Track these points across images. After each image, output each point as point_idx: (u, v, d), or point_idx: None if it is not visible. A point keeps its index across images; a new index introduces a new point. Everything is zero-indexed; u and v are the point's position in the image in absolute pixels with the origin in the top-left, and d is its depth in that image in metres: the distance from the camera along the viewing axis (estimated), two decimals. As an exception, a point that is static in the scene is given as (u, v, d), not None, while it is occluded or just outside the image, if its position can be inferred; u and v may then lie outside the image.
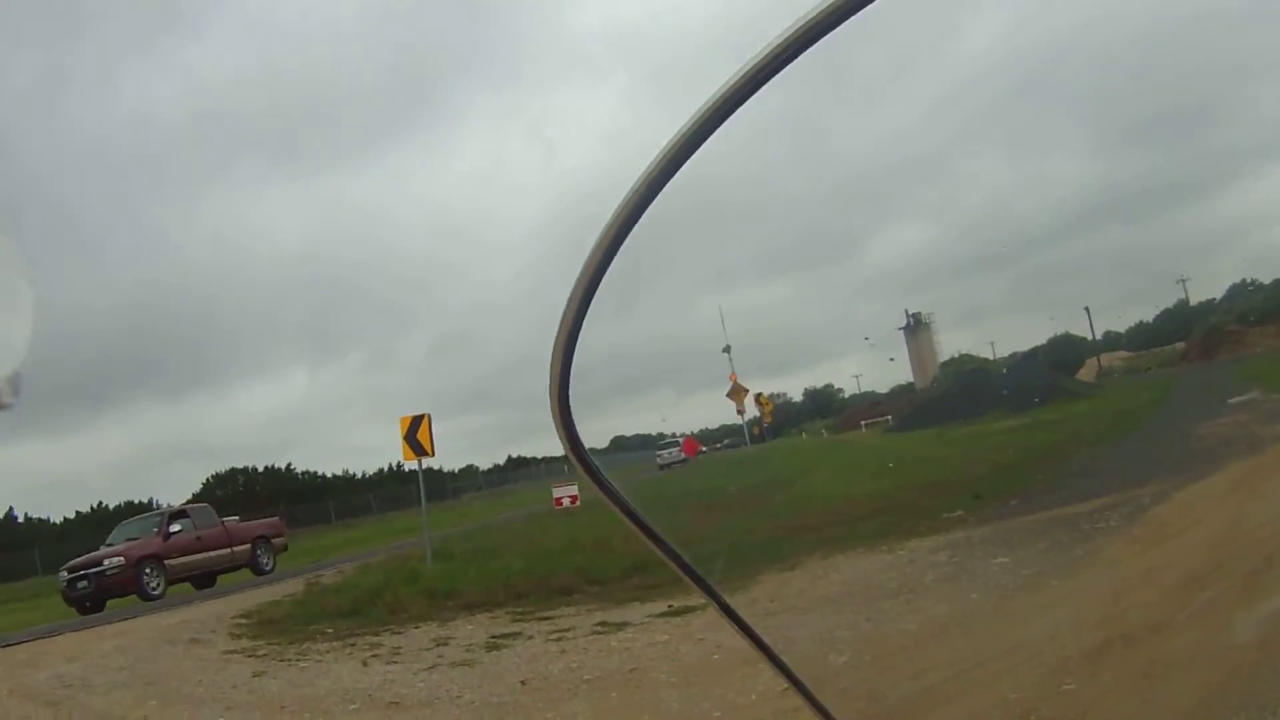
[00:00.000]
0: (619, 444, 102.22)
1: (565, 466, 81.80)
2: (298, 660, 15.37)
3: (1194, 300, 79.05)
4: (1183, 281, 79.26)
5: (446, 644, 14.77)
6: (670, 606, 14.26)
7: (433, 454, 24.21)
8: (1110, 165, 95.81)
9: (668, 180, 1.06)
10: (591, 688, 10.94)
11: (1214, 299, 76.38)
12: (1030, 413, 40.96)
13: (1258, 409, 25.47)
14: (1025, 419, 38.92)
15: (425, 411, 24.00)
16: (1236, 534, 11.40)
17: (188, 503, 61.93)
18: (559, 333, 1.16)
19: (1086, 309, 79.05)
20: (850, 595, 12.81)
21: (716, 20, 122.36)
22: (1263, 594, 8.59)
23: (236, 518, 36.06)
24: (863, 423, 74.13)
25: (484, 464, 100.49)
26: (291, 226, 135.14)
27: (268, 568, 34.23)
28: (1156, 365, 70.70)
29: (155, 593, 29.97)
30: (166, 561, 31.01)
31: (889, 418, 69.79)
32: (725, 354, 63.75)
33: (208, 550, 32.47)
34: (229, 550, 33.33)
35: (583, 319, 1.16)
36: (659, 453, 68.72)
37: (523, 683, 11.64)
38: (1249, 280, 72.36)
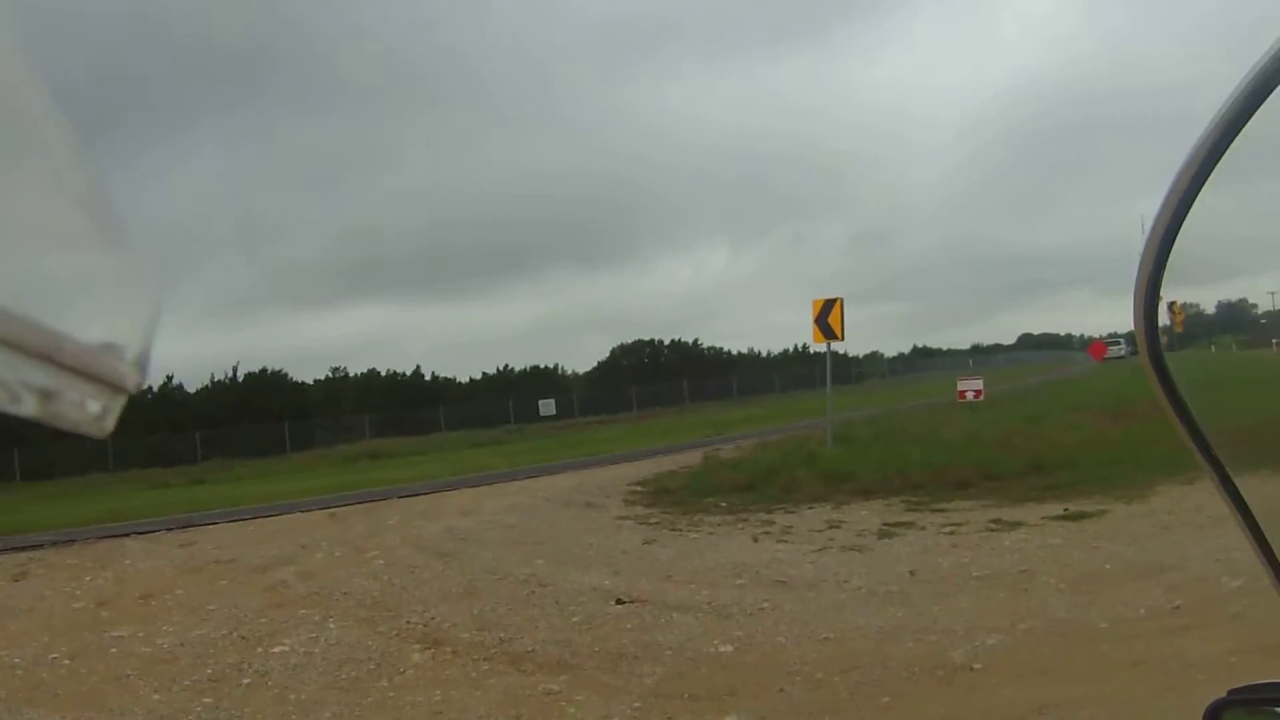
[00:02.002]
0: (1025, 341, 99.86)
1: (969, 360, 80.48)
2: (688, 531, 15.71)
3: None
4: None
5: (839, 527, 15.05)
6: (1066, 510, 14.11)
7: (842, 338, 24.02)
8: None
9: None
10: (980, 585, 10.92)
11: None
12: None
13: None
14: None
15: (838, 296, 23.71)
16: None
17: (591, 370, 63.90)
18: (1158, 217, 1.11)
19: None
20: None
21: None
22: None
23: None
24: (1274, 341, 69.08)
25: (889, 352, 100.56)
26: (719, 114, 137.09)
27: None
28: None
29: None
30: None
31: None
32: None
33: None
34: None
35: (1189, 204, 1.11)
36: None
37: (911, 573, 11.68)
38: None
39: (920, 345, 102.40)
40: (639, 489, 20.94)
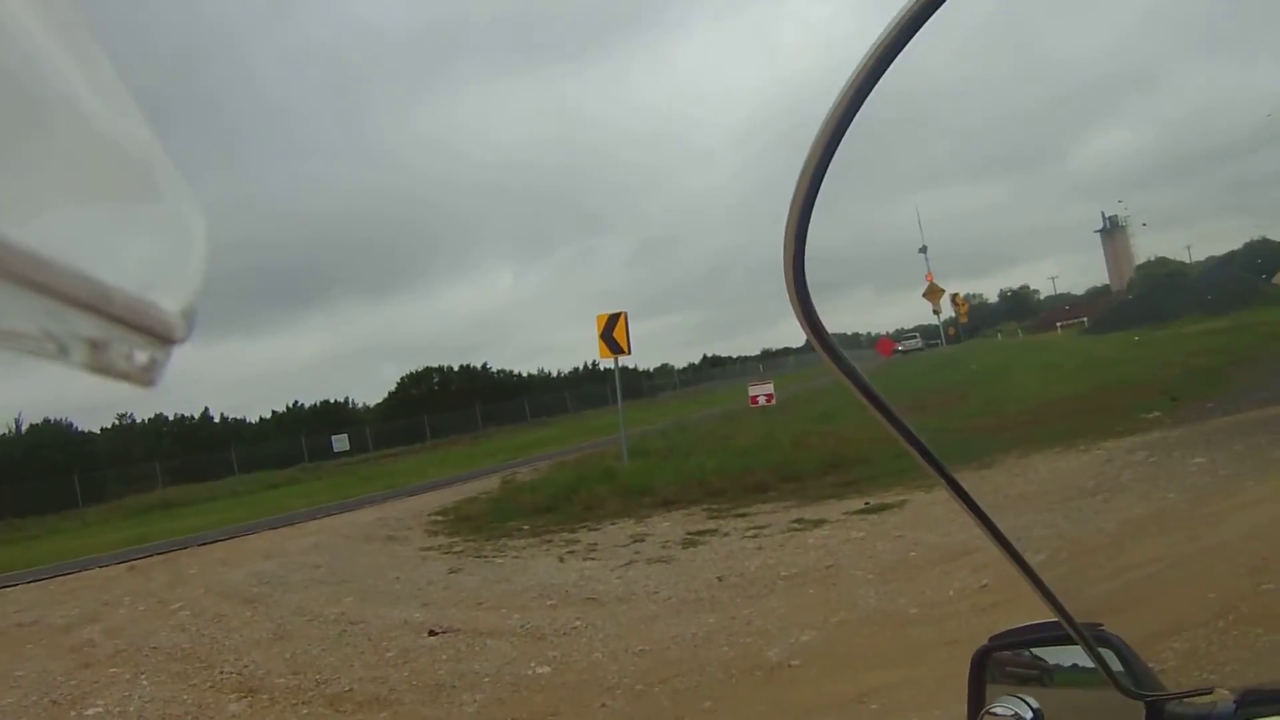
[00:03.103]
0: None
1: (760, 366, 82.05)
2: (494, 556, 15.70)
3: None
4: None
5: (643, 540, 15.17)
6: (867, 504, 14.44)
7: (629, 352, 24.07)
8: None
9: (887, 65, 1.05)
10: (789, 584, 11.13)
11: None
12: (1226, 316, 39.49)
13: None
14: (1221, 322, 37.65)
15: (622, 310, 23.77)
16: None
17: (382, 402, 63.31)
18: (789, 219, 1.14)
19: None
20: (1046, 494, 12.79)
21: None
22: None
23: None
24: (1058, 324, 72.72)
25: (679, 363, 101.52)
26: (502, 131, 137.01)
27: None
28: None
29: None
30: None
31: (1084, 320, 68.44)
32: (922, 254, 63.11)
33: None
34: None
35: (813, 202, 1.14)
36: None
37: (719, 579, 11.87)
38: None
39: (710, 354, 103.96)
40: (440, 519, 21.04)
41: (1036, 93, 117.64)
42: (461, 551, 16.54)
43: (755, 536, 13.96)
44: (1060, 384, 26.04)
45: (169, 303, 0.54)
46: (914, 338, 70.01)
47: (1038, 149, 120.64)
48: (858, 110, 1.09)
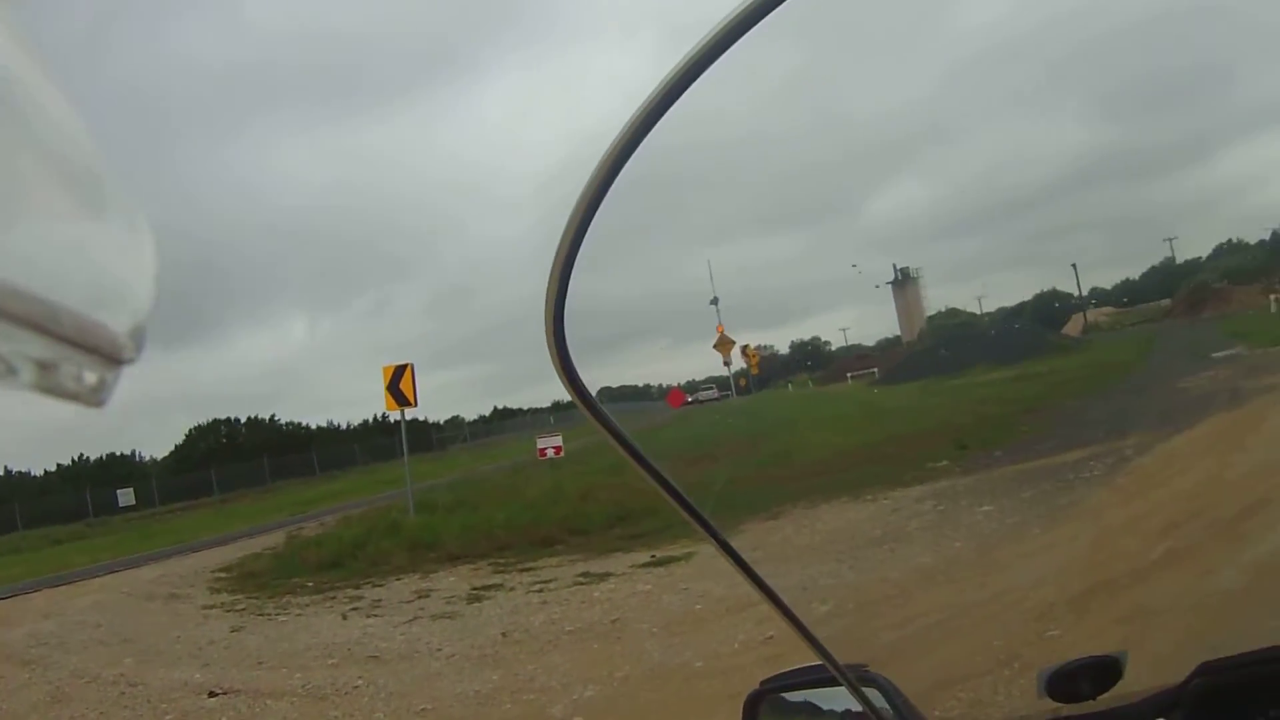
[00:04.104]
0: (606, 395, 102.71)
1: (550, 418, 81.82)
2: (277, 614, 15.37)
3: (1180, 259, 79.65)
4: (1170, 240, 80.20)
5: (428, 596, 14.95)
6: (653, 557, 14.43)
7: (415, 404, 23.67)
8: (1104, 129, 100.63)
9: (659, 118, 1.02)
10: (573, 639, 11.06)
11: (1200, 258, 77.29)
12: (1015, 366, 41.27)
13: (1241, 363, 25.78)
14: (1010, 372, 39.25)
15: (408, 362, 23.68)
16: (1218, 484, 11.57)
17: (169, 455, 62.14)
18: (550, 278, 1.15)
19: (1074, 265, 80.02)
20: (833, 544, 12.87)
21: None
22: (1242, 542, 8.71)
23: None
24: (849, 375, 74.39)
25: (470, 415, 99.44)
26: (308, 176, 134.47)
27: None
28: (1142, 321, 70.83)
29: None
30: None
31: (875, 370, 69.79)
32: (713, 306, 63.75)
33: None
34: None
35: (574, 261, 1.14)
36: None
37: (504, 635, 11.76)
38: (1236, 240, 73.35)
39: (501, 406, 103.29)
40: (224, 575, 20.57)
41: (833, 145, 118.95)
42: (244, 609, 16.19)
43: (540, 591, 13.95)
44: (849, 434, 26.39)
45: (117, 322, 0.54)
46: (710, 389, 70.73)
47: (833, 202, 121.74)
48: (623, 165, 1.07)
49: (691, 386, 75.08)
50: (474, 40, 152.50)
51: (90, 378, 0.52)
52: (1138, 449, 15.05)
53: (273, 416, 78.18)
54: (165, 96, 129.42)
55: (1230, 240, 76.09)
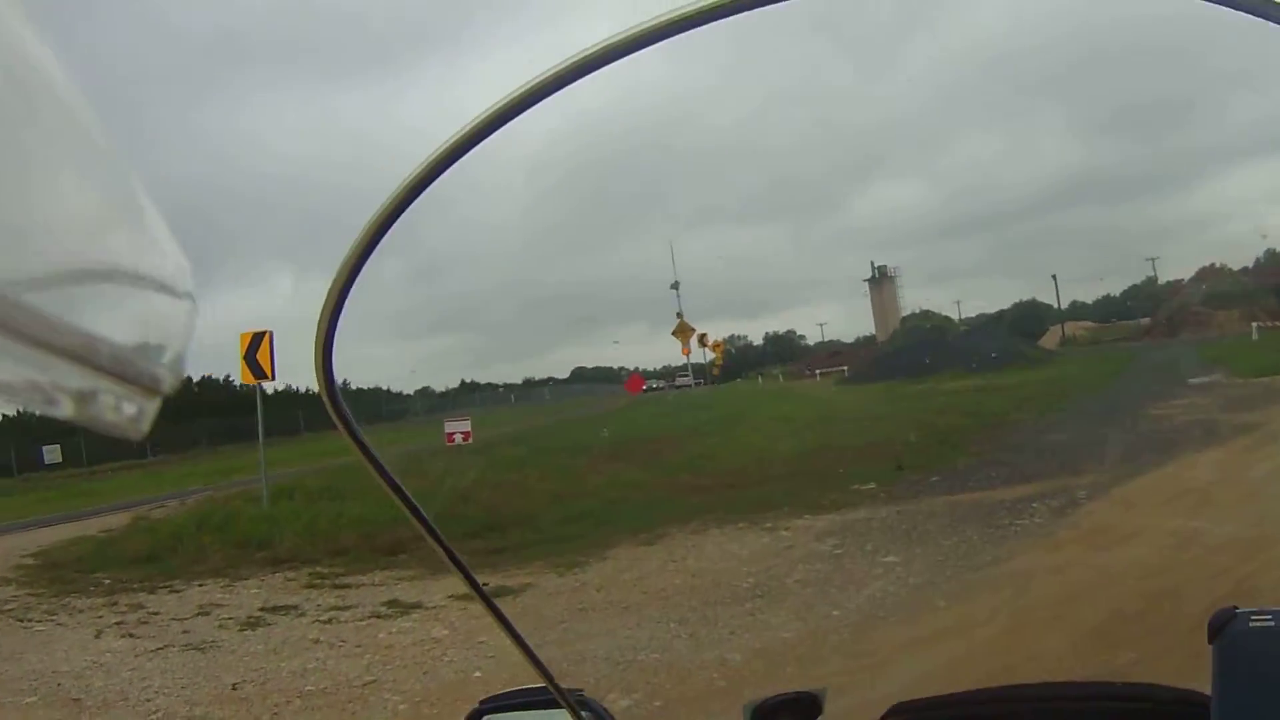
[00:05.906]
0: (578, 375, 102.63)
1: (511, 395, 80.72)
2: (35, 623, 13.42)
3: (1163, 279, 79.58)
4: (1152, 260, 79.98)
5: (209, 614, 13.07)
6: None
7: (272, 377, 21.75)
8: (1091, 148, 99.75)
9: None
10: (306, 704, 9.29)
11: (1182, 279, 76.90)
12: (983, 375, 40.93)
13: (1219, 393, 24.81)
14: (977, 381, 38.84)
15: (267, 329, 20.96)
16: (1180, 559, 9.85)
17: None
18: (334, 283, 1.03)
19: (1054, 277, 79.41)
20: (690, 593, 11.57)
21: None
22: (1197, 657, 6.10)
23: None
24: (817, 371, 74.10)
25: (440, 387, 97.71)
26: (282, 145, 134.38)
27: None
28: (1121, 338, 70.56)
29: None
30: None
31: (845, 368, 68.87)
32: (674, 290, 62.04)
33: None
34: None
35: (360, 268, 1.02)
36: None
37: (234, 686, 9.96)
38: (1219, 264, 72.92)
39: (469, 380, 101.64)
40: (29, 563, 18.07)
41: (818, 143, 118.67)
42: (9, 611, 14.07)
43: (329, 622, 12.11)
44: (787, 439, 25.29)
45: (155, 353, 0.56)
46: (687, 376, 69.63)
47: (817, 198, 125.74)
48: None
49: (669, 372, 75.80)
50: (457, 16, 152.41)
51: (129, 408, 0.52)
52: (1091, 491, 13.85)
53: (227, 377, 75.90)
54: (139, 61, 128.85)
55: (1213, 264, 75.68)
